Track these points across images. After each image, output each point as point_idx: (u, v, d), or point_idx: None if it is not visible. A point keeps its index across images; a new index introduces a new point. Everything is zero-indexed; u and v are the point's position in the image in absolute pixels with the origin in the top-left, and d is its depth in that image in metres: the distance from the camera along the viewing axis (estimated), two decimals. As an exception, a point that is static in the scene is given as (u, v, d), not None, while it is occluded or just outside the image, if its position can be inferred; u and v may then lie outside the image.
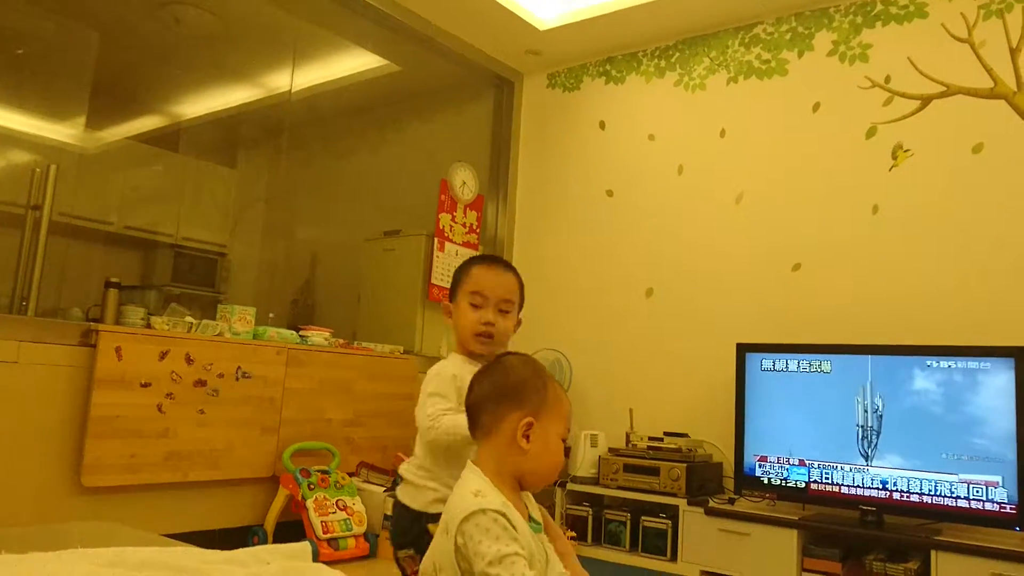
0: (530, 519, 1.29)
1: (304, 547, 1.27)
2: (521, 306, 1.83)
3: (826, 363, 3.51)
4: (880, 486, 3.30)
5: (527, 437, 1.27)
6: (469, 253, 4.71)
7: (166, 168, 5.45)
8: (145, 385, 3.06)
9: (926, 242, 3.60)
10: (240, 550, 1.22)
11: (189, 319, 3.36)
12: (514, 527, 1.17)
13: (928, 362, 3.27)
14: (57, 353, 2.88)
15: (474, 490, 1.22)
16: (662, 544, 3.70)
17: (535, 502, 1.39)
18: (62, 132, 4.82)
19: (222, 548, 3.32)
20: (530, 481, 1.29)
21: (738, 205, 4.14)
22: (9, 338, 2.76)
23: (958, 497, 3.13)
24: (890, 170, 3.73)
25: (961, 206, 3.53)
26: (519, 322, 1.83)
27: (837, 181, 3.86)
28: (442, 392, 1.67)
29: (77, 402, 2.92)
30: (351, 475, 3.78)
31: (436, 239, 4.50)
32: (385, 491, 3.63)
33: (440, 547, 1.21)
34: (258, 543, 3.43)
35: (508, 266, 1.83)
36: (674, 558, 3.65)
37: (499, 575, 1.11)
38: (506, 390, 1.31)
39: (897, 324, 3.56)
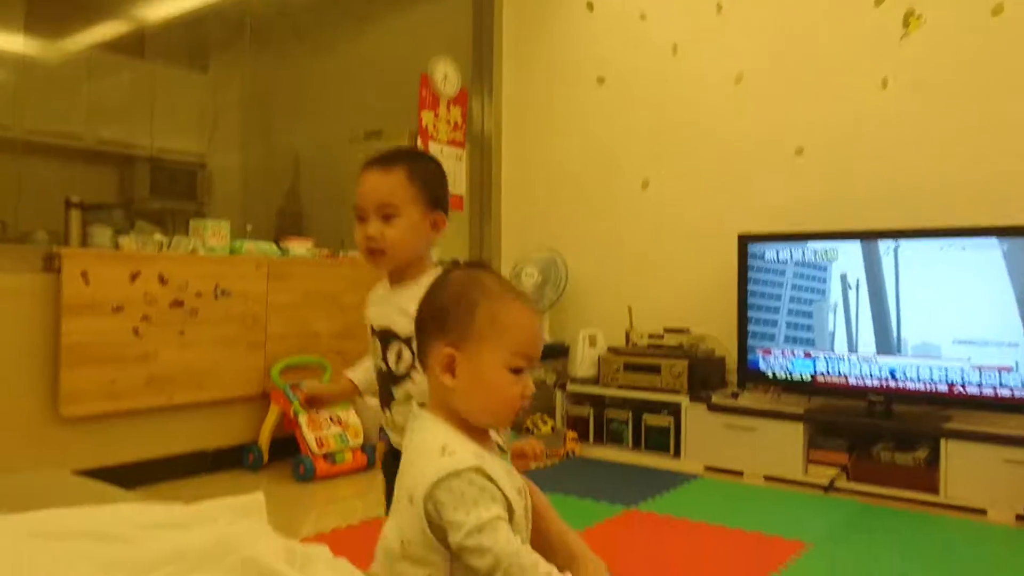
0: (498, 448, 1.16)
1: (256, 498, 1.14)
2: (433, 203, 1.46)
3: (832, 251, 3.34)
4: (889, 375, 3.19)
5: (451, 371, 1.08)
6: (455, 153, 4.48)
7: (134, 77, 5.15)
8: (117, 309, 2.92)
9: (940, 118, 3.35)
10: (187, 507, 1.09)
11: (159, 237, 3.19)
12: (492, 480, 1.01)
13: (940, 245, 3.11)
14: (18, 280, 2.72)
15: (440, 446, 1.05)
16: (665, 441, 3.65)
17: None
18: (17, 42, 4.52)
19: (215, 470, 3.26)
20: (475, 421, 1.09)
21: (737, 86, 3.88)
22: (-35, 267, 2.60)
23: (969, 384, 3.02)
24: (901, 40, 3.45)
25: (979, 77, 3.27)
26: (436, 222, 1.47)
27: (843, 54, 3.58)
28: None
29: (47, 331, 2.79)
30: (345, 388, 3.70)
31: (419, 139, 4.26)
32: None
33: (407, 518, 1.02)
34: (253, 460, 3.38)
35: (392, 160, 1.46)
36: (677, 454, 3.60)
37: (480, 545, 0.96)
38: (431, 315, 1.12)
39: (908, 207, 3.37)
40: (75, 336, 2.80)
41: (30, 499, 1.15)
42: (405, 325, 1.38)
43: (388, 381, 1.46)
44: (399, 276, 1.47)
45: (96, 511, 1.07)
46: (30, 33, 4.49)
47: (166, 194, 5.09)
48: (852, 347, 3.28)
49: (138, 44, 5.16)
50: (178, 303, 3.10)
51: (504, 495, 1.02)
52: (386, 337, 1.45)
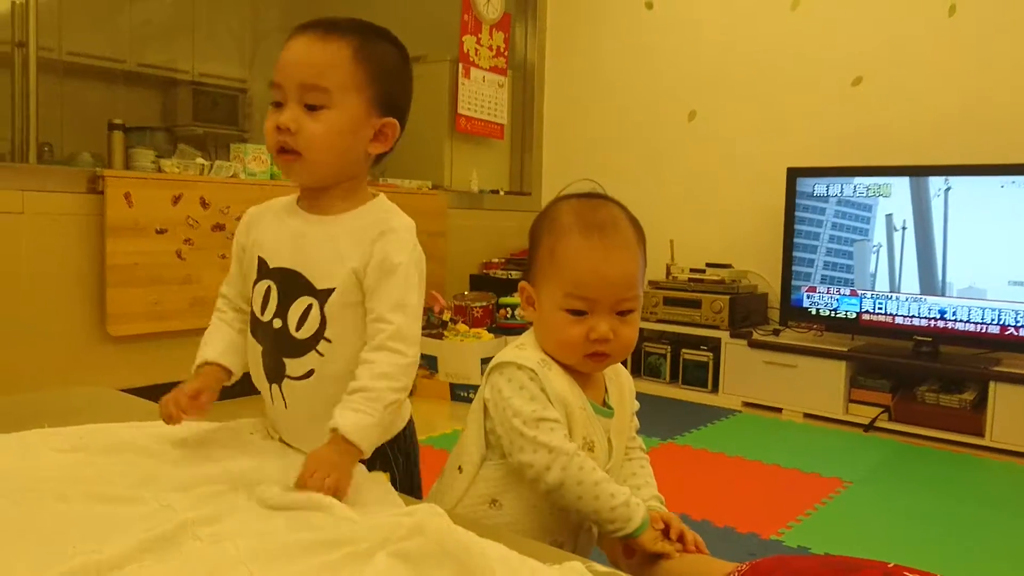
0: (604, 404, 1.07)
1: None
2: (384, 101, 1.04)
3: (887, 186, 3.23)
4: (937, 315, 3.11)
5: (532, 305, 1.05)
6: (497, 80, 4.38)
7: (175, -1, 5.10)
8: (161, 231, 2.94)
9: (1009, 49, 3.17)
10: (221, 427, 1.10)
11: (200, 160, 3.18)
12: (546, 394, 0.99)
13: (1002, 183, 2.97)
14: (64, 201, 2.75)
15: (519, 343, 1.05)
16: (703, 376, 3.62)
17: (628, 385, 1.13)
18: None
19: (253, 391, 3.33)
20: (559, 360, 1.03)
21: (794, 12, 3.70)
22: (11, 188, 2.63)
23: (1021, 326, 2.93)
24: (973, -39, 3.25)
25: (1054, 0, 3.08)
26: (384, 130, 1.04)
27: (909, -22, 3.39)
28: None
29: (93, 251, 2.82)
30: (384, 315, 3.72)
31: (461, 64, 4.17)
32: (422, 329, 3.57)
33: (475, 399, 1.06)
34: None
35: (336, 27, 1.03)
36: (715, 389, 3.58)
37: (536, 438, 0.95)
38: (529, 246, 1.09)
39: (972, 142, 3.22)
40: (120, 257, 2.83)
41: (75, 413, 1.17)
42: (327, 273, 1.01)
43: (281, 345, 1.04)
44: (321, 199, 1.06)
45: (141, 426, 1.08)
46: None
47: (208, 119, 5.09)
48: (898, 287, 3.19)
49: (180, -35, 5.09)
50: (219, 227, 3.11)
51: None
52: (290, 284, 1.03)
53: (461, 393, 3.35)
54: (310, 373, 1.03)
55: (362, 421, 0.94)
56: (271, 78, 1.03)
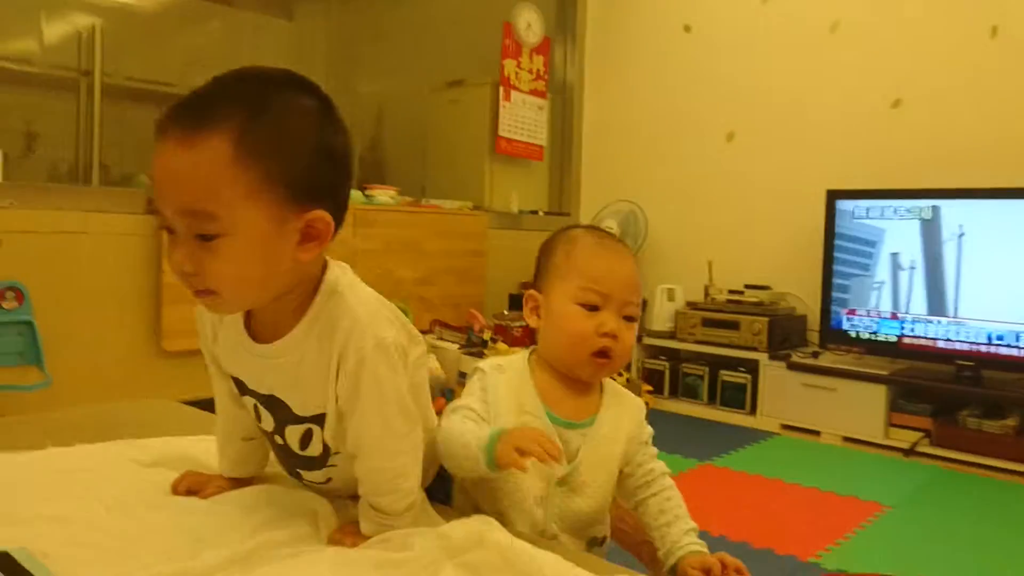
0: (577, 420, 1.04)
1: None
2: (302, 191, 0.81)
3: (927, 209, 3.23)
4: (979, 339, 3.09)
5: (536, 313, 1.09)
6: (537, 103, 4.46)
7: (222, 24, 5.27)
8: (213, 251, 3.05)
9: (1052, 69, 3.17)
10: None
11: (252, 183, 3.29)
12: (486, 392, 1.03)
13: (1045, 206, 2.96)
14: (124, 222, 2.87)
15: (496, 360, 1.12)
16: (741, 398, 3.63)
17: (632, 412, 1.09)
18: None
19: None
20: (559, 366, 1.05)
21: (832, 35, 3.73)
22: (75, 208, 2.75)
23: (1067, 351, 2.90)
24: (1015, -15, 3.25)
25: (1098, 25, 3.07)
26: (311, 228, 0.82)
27: (948, 0, 3.40)
28: None
29: (150, 269, 2.94)
30: (425, 333, 3.79)
31: (502, 88, 4.25)
32: (459, 348, 3.63)
33: None
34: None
35: (204, 114, 0.77)
36: (753, 411, 3.58)
37: (441, 424, 1.02)
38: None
39: (1012, 165, 3.21)
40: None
41: (146, 426, 1.25)
42: (309, 402, 0.90)
43: (291, 459, 0.98)
44: (267, 323, 0.89)
45: (208, 443, 1.15)
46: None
47: (254, 140, 5.24)
48: (942, 310, 3.18)
49: (226, -9, 5.26)
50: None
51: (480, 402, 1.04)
52: (277, 409, 0.93)
53: (500, 411, 3.39)
54: (328, 480, 0.98)
55: (386, 530, 0.88)
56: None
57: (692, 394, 3.80)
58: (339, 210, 0.84)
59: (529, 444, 0.89)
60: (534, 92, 4.43)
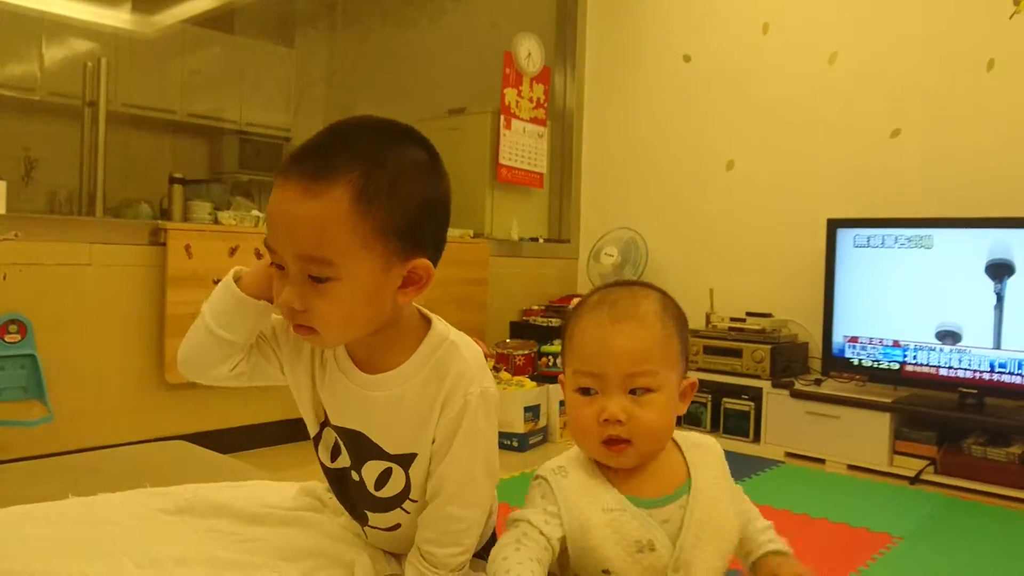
0: (664, 495, 0.92)
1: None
2: (409, 242, 0.87)
3: (928, 237, 3.25)
4: (982, 367, 3.10)
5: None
6: (537, 130, 4.48)
7: (223, 51, 5.31)
8: (217, 281, 3.03)
9: (1049, 100, 3.21)
10: (313, 494, 1.15)
11: (256, 213, 3.29)
12: (553, 492, 0.91)
13: (1046, 236, 2.99)
14: (128, 253, 2.86)
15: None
16: (744, 425, 3.63)
17: (710, 459, 0.99)
18: (114, 17, 4.70)
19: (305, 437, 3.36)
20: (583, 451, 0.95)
21: (831, 66, 3.77)
22: (80, 240, 2.75)
23: (1071, 380, 2.92)
24: (1011, 18, 3.29)
25: (1094, 57, 3.12)
26: (413, 275, 0.89)
27: (946, 33, 3.44)
28: None
29: (153, 301, 2.93)
30: (427, 362, 3.78)
31: (502, 116, 4.28)
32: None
33: None
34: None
35: (328, 164, 0.82)
36: (757, 439, 3.58)
37: (500, 539, 0.92)
38: None
39: (1012, 196, 3.24)
40: (179, 307, 2.93)
41: (164, 470, 1.24)
42: (402, 440, 0.92)
43: (360, 497, 0.99)
44: (370, 354, 0.93)
45: (238, 486, 1.14)
46: (139, 11, 4.65)
47: (253, 167, 5.26)
48: (946, 338, 3.19)
49: (228, 19, 5.30)
50: (272, 276, 3.21)
51: (562, 516, 0.91)
52: (360, 445, 0.95)
53: (505, 442, 3.38)
54: (396, 527, 0.98)
55: None
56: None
57: (695, 422, 3.79)
58: (437, 257, 0.91)
59: None
60: (534, 120, 4.46)
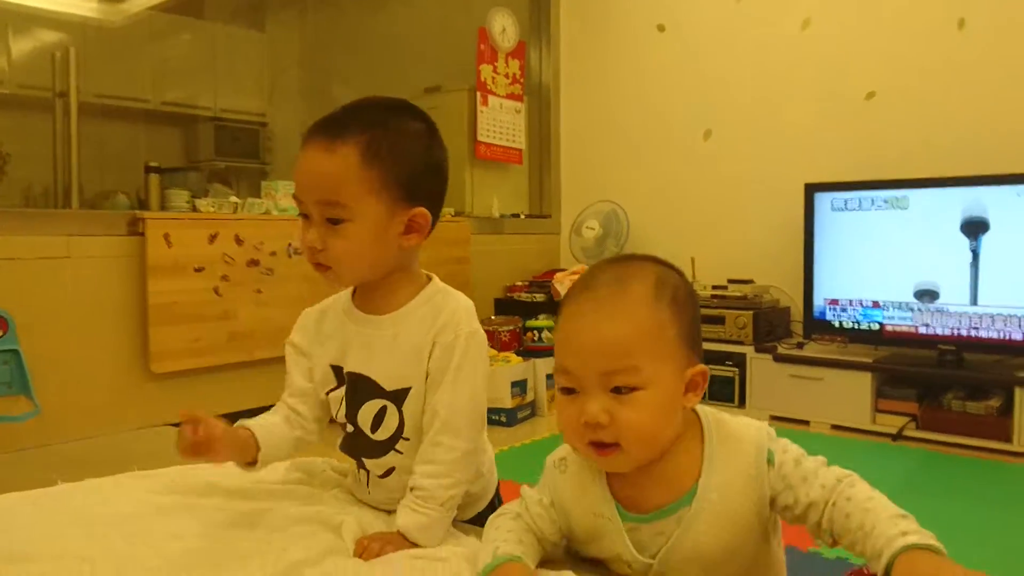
0: (648, 515, 0.87)
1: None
2: (408, 193, 1.00)
3: (904, 198, 3.28)
4: (960, 324, 3.15)
5: None
6: (514, 106, 4.47)
7: (194, 37, 5.24)
8: (199, 269, 3.03)
9: (1020, 61, 3.24)
10: (303, 469, 1.17)
11: (234, 199, 3.28)
12: (549, 486, 0.92)
13: (1018, 191, 3.03)
14: (107, 244, 2.84)
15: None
16: (729, 391, 3.67)
17: (748, 452, 0.87)
18: (81, 7, 4.63)
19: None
20: None
21: (804, 32, 3.78)
22: (57, 233, 2.72)
23: (1046, 332, 2.97)
24: (979, -24, 3.32)
25: (1062, 12, 3.14)
26: (413, 223, 1.02)
27: (917, -6, 3.47)
28: None
29: (135, 291, 2.91)
30: (413, 342, 3.79)
31: (478, 93, 4.27)
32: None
33: None
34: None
35: (340, 129, 0.99)
36: (742, 404, 3.63)
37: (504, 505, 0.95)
38: None
39: (985, 154, 3.28)
40: (161, 296, 2.92)
41: (153, 456, 1.25)
42: (398, 375, 1.03)
43: (360, 447, 1.08)
44: (373, 298, 1.06)
45: (221, 468, 1.15)
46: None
47: (230, 154, 5.21)
48: (924, 296, 3.24)
49: (197, 4, 5.23)
50: (254, 263, 3.20)
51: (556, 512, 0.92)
52: (360, 387, 1.05)
53: (493, 417, 3.41)
54: (390, 471, 1.06)
55: (421, 521, 0.97)
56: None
57: (681, 390, 3.83)
58: (436, 210, 1.04)
59: None
60: (511, 96, 4.45)
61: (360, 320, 1.06)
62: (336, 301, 1.12)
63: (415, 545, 0.96)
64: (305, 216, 1.01)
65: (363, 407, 1.04)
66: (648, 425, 0.81)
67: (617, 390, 0.80)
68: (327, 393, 1.08)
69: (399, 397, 1.03)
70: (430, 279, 1.08)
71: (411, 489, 0.99)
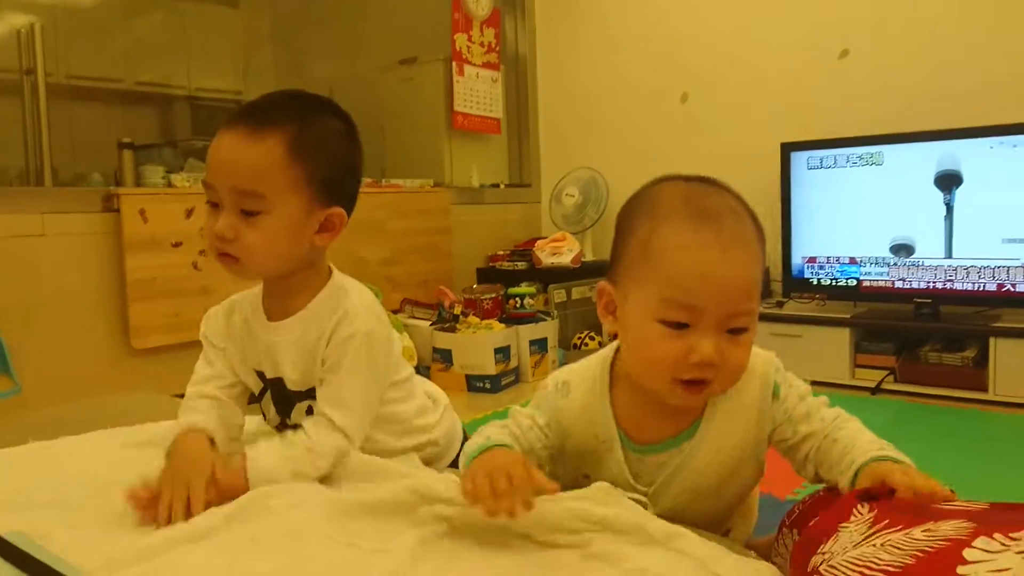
0: (670, 438, 0.85)
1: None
2: (328, 192, 1.00)
3: (878, 154, 3.30)
4: (935, 277, 3.19)
5: (611, 312, 0.85)
6: (490, 75, 4.45)
7: (166, 15, 5.17)
8: (176, 245, 3.02)
9: (994, 10, 3.24)
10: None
11: (209, 173, 3.26)
12: (548, 407, 0.89)
13: (991, 144, 3.05)
14: (82, 221, 2.83)
15: (589, 357, 0.93)
16: (711, 353, 3.70)
17: (753, 393, 0.86)
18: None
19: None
20: (640, 383, 0.84)
21: (777, -11, 3.77)
22: (31, 211, 2.71)
23: (1020, 283, 3.01)
24: (949, -71, 3.31)
25: (1031, -37, 3.15)
26: (329, 221, 1.01)
27: (888, -51, 3.46)
28: None
29: (113, 268, 2.90)
30: (395, 312, 3.80)
31: (454, 63, 4.24)
32: (431, 324, 3.65)
33: None
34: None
35: (268, 118, 0.97)
36: (724, 365, 3.66)
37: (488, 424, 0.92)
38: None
39: (958, 108, 3.29)
40: (139, 272, 2.91)
41: (127, 415, 1.26)
42: (301, 377, 1.03)
43: None
44: (280, 298, 1.05)
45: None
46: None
47: (207, 132, 5.15)
48: (900, 251, 3.27)
49: (167, -20, 5.15)
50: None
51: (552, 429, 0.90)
52: (282, 391, 1.06)
53: (477, 384, 3.43)
54: None
55: (271, 466, 0.93)
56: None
57: (663, 353, 3.86)
58: (350, 211, 1.04)
59: (480, 483, 0.73)
60: (487, 65, 4.43)
61: (268, 328, 1.05)
62: (244, 300, 1.10)
63: (244, 482, 0.92)
64: (214, 204, 0.97)
65: (295, 408, 1.06)
66: (745, 364, 0.81)
67: (733, 331, 0.78)
68: (258, 395, 1.09)
69: (313, 395, 1.03)
70: (331, 274, 1.07)
71: (287, 443, 0.96)
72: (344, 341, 0.98)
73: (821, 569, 0.61)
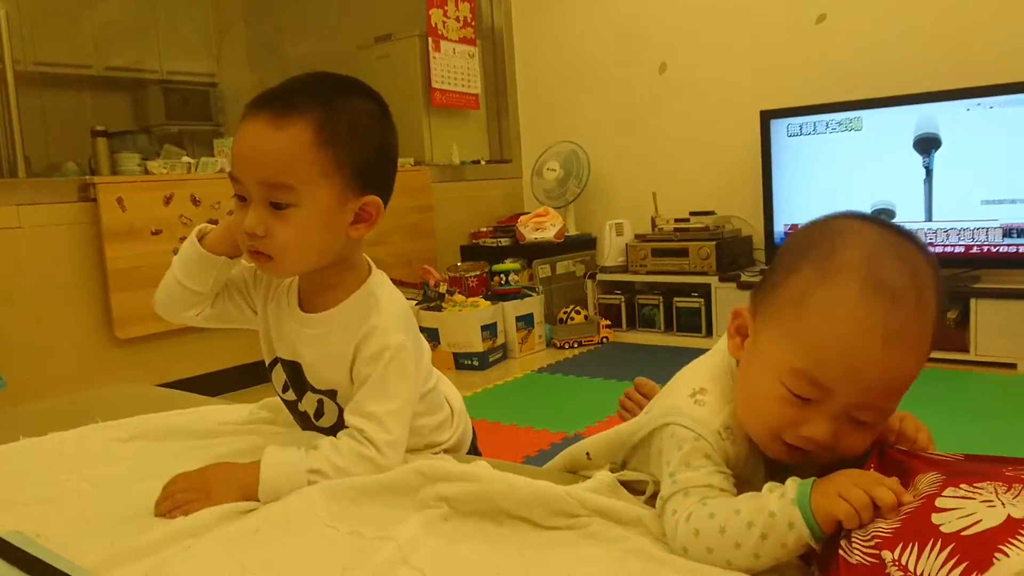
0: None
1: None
2: (362, 179, 0.93)
3: (857, 120, 3.31)
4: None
5: (740, 335, 0.78)
6: (467, 50, 4.41)
7: (134, -3, 5.07)
8: (156, 232, 2.99)
9: (965, -30, 3.25)
10: (270, 408, 1.18)
11: (187, 159, 3.22)
12: (720, 454, 0.75)
13: (967, 106, 3.06)
14: (59, 212, 2.79)
15: (699, 387, 0.79)
16: (696, 322, 3.73)
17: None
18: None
19: (262, 381, 3.39)
20: (739, 417, 0.76)
21: (753, -44, 3.75)
22: (6, 203, 2.67)
23: (999, 244, 3.04)
24: None
25: (1005, -78, 3.15)
26: (364, 212, 0.94)
27: (863, -88, 3.45)
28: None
29: (93, 258, 2.87)
30: (381, 294, 3.79)
31: (430, 39, 4.20)
32: (416, 303, 3.64)
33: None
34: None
35: (293, 103, 0.90)
36: (709, 334, 3.68)
37: (666, 522, 0.73)
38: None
39: (935, 71, 3.30)
40: (120, 261, 2.88)
41: (119, 408, 1.25)
42: (325, 376, 0.99)
43: (308, 427, 1.07)
44: (316, 291, 1.00)
45: (189, 411, 1.16)
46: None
47: (181, 116, 5.09)
48: (881, 215, 3.29)
49: (135, -37, 5.05)
50: (212, 222, 3.15)
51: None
52: (297, 377, 1.02)
53: (464, 361, 3.44)
54: None
55: (289, 468, 0.89)
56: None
57: (649, 324, 3.88)
58: (386, 199, 0.97)
59: (856, 493, 0.63)
60: (463, 40, 4.38)
61: (297, 317, 1.00)
62: (280, 286, 1.04)
63: (255, 485, 0.88)
64: (241, 198, 0.91)
65: (305, 396, 1.02)
66: (858, 453, 0.72)
67: (858, 420, 0.69)
68: (270, 366, 1.04)
69: (331, 395, 1.00)
70: (369, 272, 1.01)
71: (312, 451, 0.91)
72: (373, 358, 0.93)
73: (841, 542, 0.63)
